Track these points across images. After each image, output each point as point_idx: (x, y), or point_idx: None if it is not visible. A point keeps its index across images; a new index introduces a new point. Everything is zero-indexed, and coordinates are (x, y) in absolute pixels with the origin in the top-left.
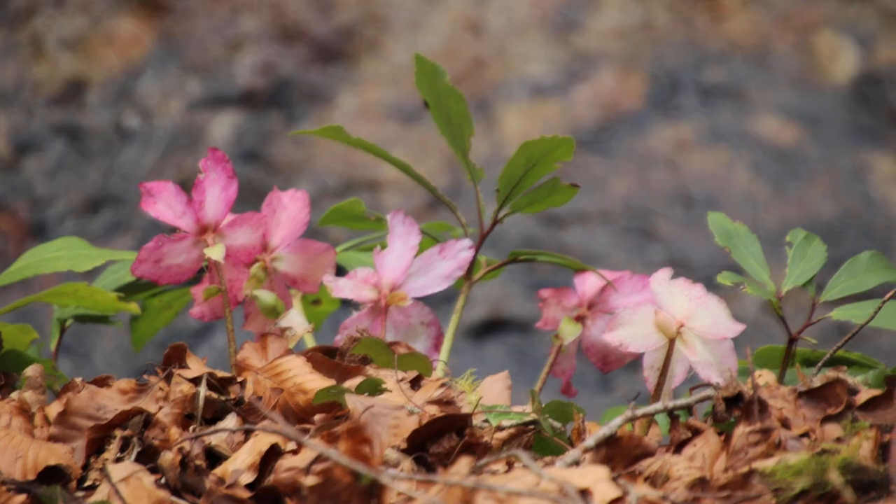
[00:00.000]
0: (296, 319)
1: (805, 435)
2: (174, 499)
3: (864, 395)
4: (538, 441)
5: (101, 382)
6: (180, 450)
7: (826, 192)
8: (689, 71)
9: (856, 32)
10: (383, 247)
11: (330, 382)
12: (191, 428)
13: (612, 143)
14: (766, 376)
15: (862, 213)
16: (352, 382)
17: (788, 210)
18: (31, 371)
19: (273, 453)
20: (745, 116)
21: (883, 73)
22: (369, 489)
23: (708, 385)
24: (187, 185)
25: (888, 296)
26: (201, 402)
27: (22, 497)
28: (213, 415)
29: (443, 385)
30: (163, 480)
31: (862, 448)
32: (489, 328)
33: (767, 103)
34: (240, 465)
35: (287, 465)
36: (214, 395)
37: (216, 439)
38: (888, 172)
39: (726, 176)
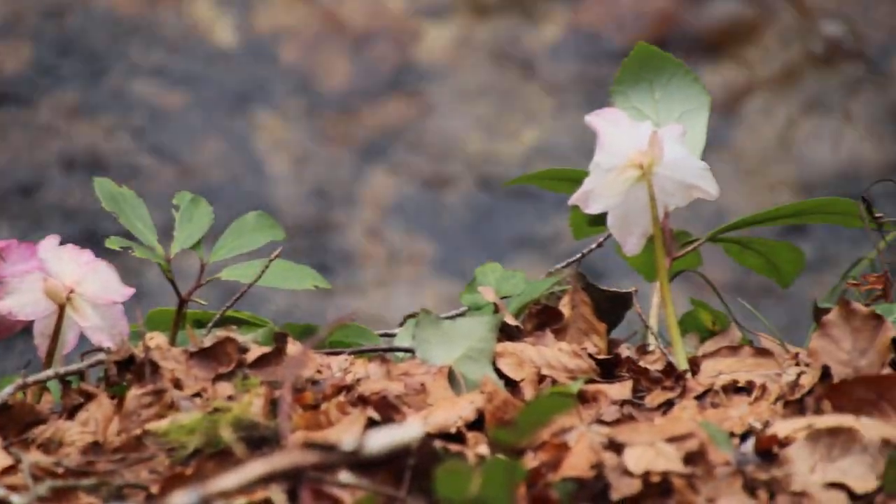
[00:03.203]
0: None
1: (198, 395)
2: None
3: (254, 353)
4: None
5: None
6: None
7: (213, 156)
8: (77, 37)
9: (233, 1)
10: None
11: None
12: None
13: None
14: (157, 339)
15: (247, 176)
16: None
17: (169, 173)
18: None
19: None
20: (127, 81)
21: (265, 38)
22: None
23: (100, 350)
24: None
25: (274, 255)
26: None
27: None
28: None
29: None
30: None
31: (253, 405)
32: None
33: (151, 67)
34: None
35: None
36: None
37: None
38: (272, 136)
39: (110, 141)
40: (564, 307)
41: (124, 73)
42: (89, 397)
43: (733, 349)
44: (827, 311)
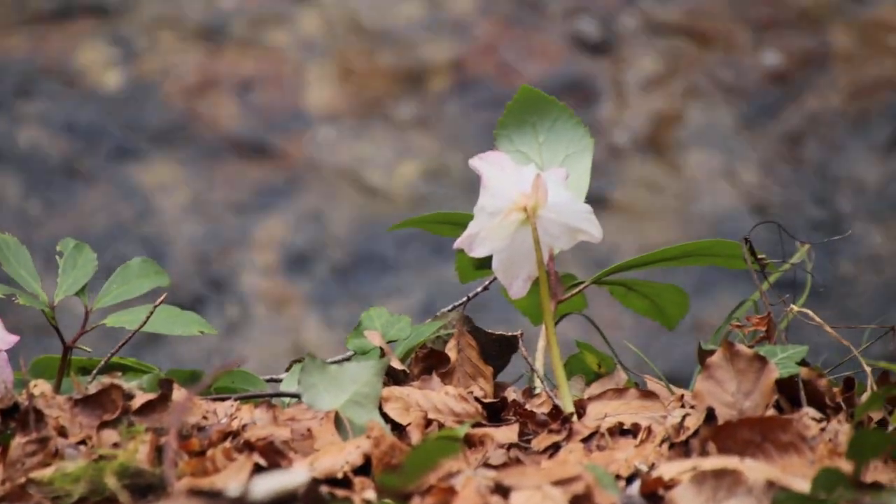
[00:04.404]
0: None
1: (83, 442)
2: None
3: (139, 400)
4: None
5: None
6: None
7: (99, 202)
8: None
9: (119, 45)
10: None
11: None
12: None
13: None
14: (42, 386)
15: (135, 222)
16: None
17: (60, 223)
18: None
19: None
20: (12, 130)
21: (147, 82)
22: None
23: None
24: None
25: (159, 301)
26: None
27: None
28: None
29: None
30: None
31: (138, 452)
32: None
33: (36, 116)
34: None
35: None
36: None
37: None
38: (160, 181)
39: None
40: (451, 351)
41: (10, 118)
42: None
43: (619, 392)
44: (711, 352)
